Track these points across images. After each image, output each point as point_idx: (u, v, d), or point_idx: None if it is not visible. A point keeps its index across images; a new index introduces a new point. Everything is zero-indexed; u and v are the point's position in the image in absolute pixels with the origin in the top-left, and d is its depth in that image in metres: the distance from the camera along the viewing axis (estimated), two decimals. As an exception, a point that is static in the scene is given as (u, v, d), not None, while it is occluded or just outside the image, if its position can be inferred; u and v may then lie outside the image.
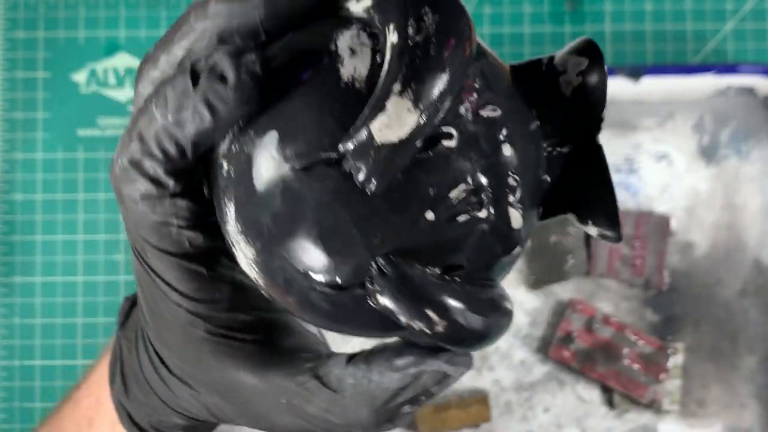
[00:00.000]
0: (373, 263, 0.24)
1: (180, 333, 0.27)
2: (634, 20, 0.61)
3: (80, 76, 0.60)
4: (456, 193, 0.25)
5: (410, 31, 0.23)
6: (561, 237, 0.58)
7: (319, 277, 0.24)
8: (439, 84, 0.23)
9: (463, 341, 0.25)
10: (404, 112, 0.23)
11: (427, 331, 0.24)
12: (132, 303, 0.32)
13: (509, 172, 0.25)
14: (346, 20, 0.25)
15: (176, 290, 0.26)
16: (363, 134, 0.23)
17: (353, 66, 0.24)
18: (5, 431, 0.58)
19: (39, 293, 0.59)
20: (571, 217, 0.29)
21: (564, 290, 0.58)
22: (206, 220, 0.26)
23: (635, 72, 0.56)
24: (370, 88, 0.24)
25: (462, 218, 0.25)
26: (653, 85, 0.57)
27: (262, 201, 0.24)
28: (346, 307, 0.25)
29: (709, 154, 0.59)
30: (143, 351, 0.29)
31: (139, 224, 0.25)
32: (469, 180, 0.25)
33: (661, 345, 0.57)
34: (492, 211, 0.25)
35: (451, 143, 0.25)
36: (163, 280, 0.26)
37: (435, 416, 0.56)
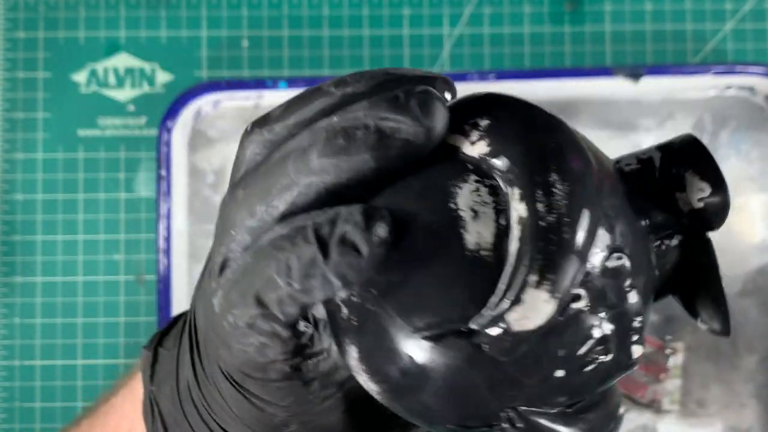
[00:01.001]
0: (503, 413, 0.25)
1: (269, 429, 0.27)
2: (633, 20, 0.61)
3: (80, 77, 0.60)
4: (585, 350, 0.24)
5: (540, 207, 0.22)
6: (561, 237, 0.58)
7: (449, 425, 0.25)
8: (575, 266, 0.22)
9: None
10: (541, 303, 0.22)
11: None
12: (154, 354, 0.31)
13: (635, 317, 0.25)
14: (464, 167, 0.24)
15: (274, 405, 0.26)
16: (499, 325, 0.23)
17: (477, 231, 0.23)
18: (5, 431, 0.58)
19: (39, 293, 0.59)
20: (677, 300, 0.29)
21: (564, 290, 0.58)
22: (306, 347, 0.26)
23: (635, 72, 0.56)
24: (497, 257, 0.23)
25: (590, 368, 0.25)
26: (653, 85, 0.57)
27: (389, 357, 0.24)
28: None
29: (708, 154, 0.59)
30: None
31: (244, 365, 0.25)
32: (597, 334, 0.24)
33: (661, 345, 0.57)
34: (616, 353, 0.25)
35: (580, 305, 0.24)
36: (261, 399, 0.26)
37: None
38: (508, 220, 0.23)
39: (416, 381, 0.24)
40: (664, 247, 0.27)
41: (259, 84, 0.56)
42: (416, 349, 0.24)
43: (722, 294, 0.26)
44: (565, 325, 0.24)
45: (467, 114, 0.25)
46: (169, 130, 0.56)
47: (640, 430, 0.57)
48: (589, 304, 0.24)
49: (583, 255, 0.23)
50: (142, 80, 0.60)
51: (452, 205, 0.23)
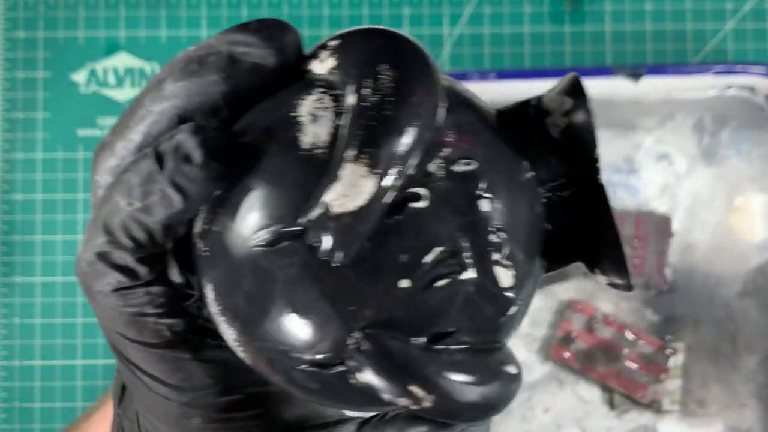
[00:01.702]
0: (350, 339, 0.23)
1: (174, 426, 0.25)
2: (634, 20, 0.61)
3: (80, 76, 0.60)
4: (431, 257, 0.23)
5: (366, 91, 0.22)
6: (561, 237, 0.58)
7: (299, 356, 0.23)
8: (398, 145, 0.22)
9: (458, 415, 0.23)
10: (360, 178, 0.22)
11: (415, 407, 0.23)
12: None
13: (491, 228, 0.23)
14: (311, 84, 0.24)
15: (163, 383, 0.25)
16: (320, 206, 0.22)
17: (314, 132, 0.23)
18: (5, 431, 0.58)
19: (39, 293, 0.59)
20: (582, 266, 0.27)
21: (564, 290, 0.58)
22: (183, 303, 0.24)
23: (635, 72, 0.56)
24: (332, 154, 0.22)
25: (441, 283, 0.23)
26: (653, 85, 0.57)
27: (235, 281, 0.23)
28: (333, 385, 0.23)
29: (709, 154, 0.59)
30: None
31: (115, 320, 0.24)
32: (446, 242, 0.23)
33: (662, 345, 0.57)
34: (475, 271, 0.23)
35: (420, 204, 0.23)
36: (149, 375, 0.25)
37: (435, 416, 0.56)
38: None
39: (259, 305, 0.23)
40: (556, 198, 0.25)
41: (259, 84, 0.56)
42: (253, 262, 0.23)
43: (620, 246, 0.24)
44: (404, 226, 0.23)
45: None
46: (168, 130, 0.56)
47: (641, 430, 0.57)
48: (431, 206, 0.23)
49: (411, 137, 0.22)
50: (142, 80, 0.60)
51: (292, 114, 0.23)
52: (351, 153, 0.22)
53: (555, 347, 0.57)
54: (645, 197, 0.59)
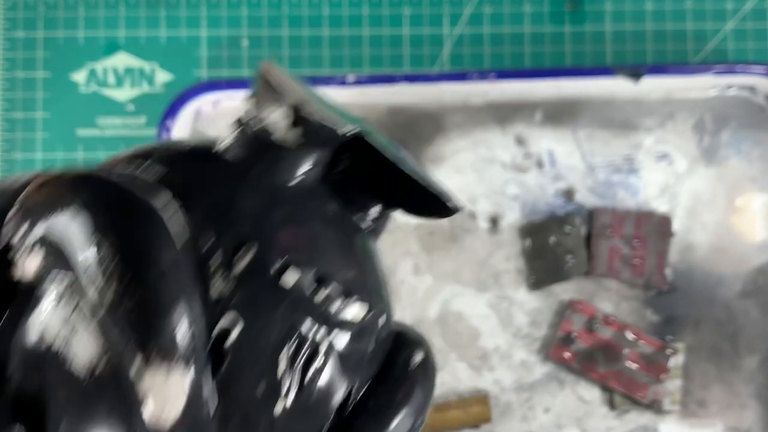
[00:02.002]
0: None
1: None
2: (634, 20, 0.61)
3: (80, 76, 0.60)
4: (283, 366, 0.20)
5: (98, 281, 0.19)
6: (561, 237, 0.58)
7: None
8: (173, 322, 0.18)
9: None
10: (164, 382, 0.18)
11: None
12: None
13: (312, 295, 0.21)
14: (33, 298, 0.19)
15: None
16: None
17: (82, 348, 0.19)
18: None
19: (38, 293, 0.59)
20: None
21: (564, 290, 0.58)
22: None
23: (635, 72, 0.56)
24: (117, 367, 0.19)
25: (310, 374, 0.21)
26: (653, 85, 0.57)
27: None
28: None
29: (709, 154, 0.59)
30: None
31: None
32: (285, 342, 0.21)
33: (662, 345, 0.57)
34: (327, 337, 0.21)
35: (235, 333, 0.20)
36: None
37: (435, 416, 0.56)
38: None
39: None
40: (336, 177, 0.24)
41: (259, 84, 0.56)
42: None
43: (415, 174, 0.23)
44: (237, 366, 0.20)
45: None
46: (168, 130, 0.56)
47: (641, 431, 0.57)
48: (246, 325, 0.20)
49: (177, 304, 0.18)
50: (142, 80, 0.60)
51: (43, 344, 0.19)
52: (138, 360, 0.18)
53: (555, 347, 0.57)
54: (645, 197, 0.59)
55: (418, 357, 0.24)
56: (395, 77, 0.56)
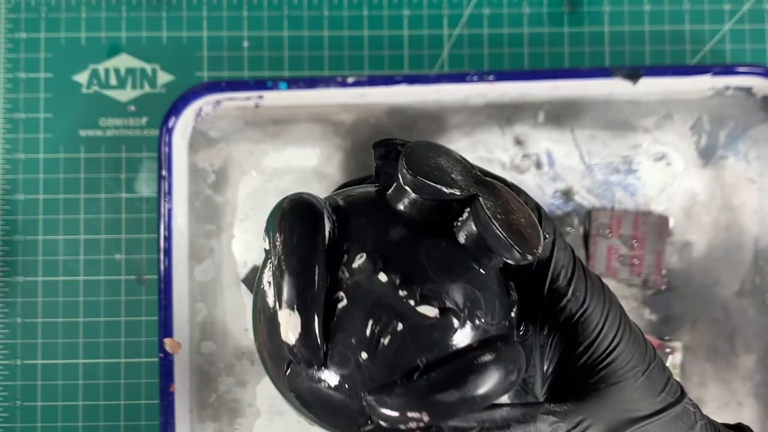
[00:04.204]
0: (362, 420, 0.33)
1: None
2: (632, 21, 0.61)
3: (82, 77, 0.61)
4: (369, 331, 0.32)
5: (273, 257, 0.34)
6: (560, 237, 0.58)
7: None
8: (291, 282, 0.32)
9: (454, 414, 0.31)
10: (288, 318, 0.32)
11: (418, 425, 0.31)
12: None
13: (398, 287, 0.32)
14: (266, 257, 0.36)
15: None
16: (287, 349, 0.33)
17: (270, 295, 0.35)
18: (6, 430, 0.58)
19: (40, 293, 0.59)
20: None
21: (563, 290, 0.58)
22: None
23: (634, 73, 0.56)
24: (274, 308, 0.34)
25: (386, 339, 0.31)
26: (651, 86, 0.57)
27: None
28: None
29: (707, 154, 0.59)
30: None
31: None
32: (370, 321, 0.32)
33: (660, 344, 0.57)
34: (402, 320, 0.31)
35: (343, 303, 0.32)
36: None
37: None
38: None
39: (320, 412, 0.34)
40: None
41: (260, 84, 0.57)
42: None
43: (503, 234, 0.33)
44: (341, 322, 0.32)
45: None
46: (170, 131, 0.57)
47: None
48: (349, 300, 0.32)
49: (292, 274, 0.32)
50: (143, 81, 0.61)
51: (262, 286, 0.36)
52: (277, 305, 0.32)
53: (554, 346, 0.57)
54: (643, 197, 0.59)
55: (487, 356, 0.32)
56: (395, 78, 0.56)
